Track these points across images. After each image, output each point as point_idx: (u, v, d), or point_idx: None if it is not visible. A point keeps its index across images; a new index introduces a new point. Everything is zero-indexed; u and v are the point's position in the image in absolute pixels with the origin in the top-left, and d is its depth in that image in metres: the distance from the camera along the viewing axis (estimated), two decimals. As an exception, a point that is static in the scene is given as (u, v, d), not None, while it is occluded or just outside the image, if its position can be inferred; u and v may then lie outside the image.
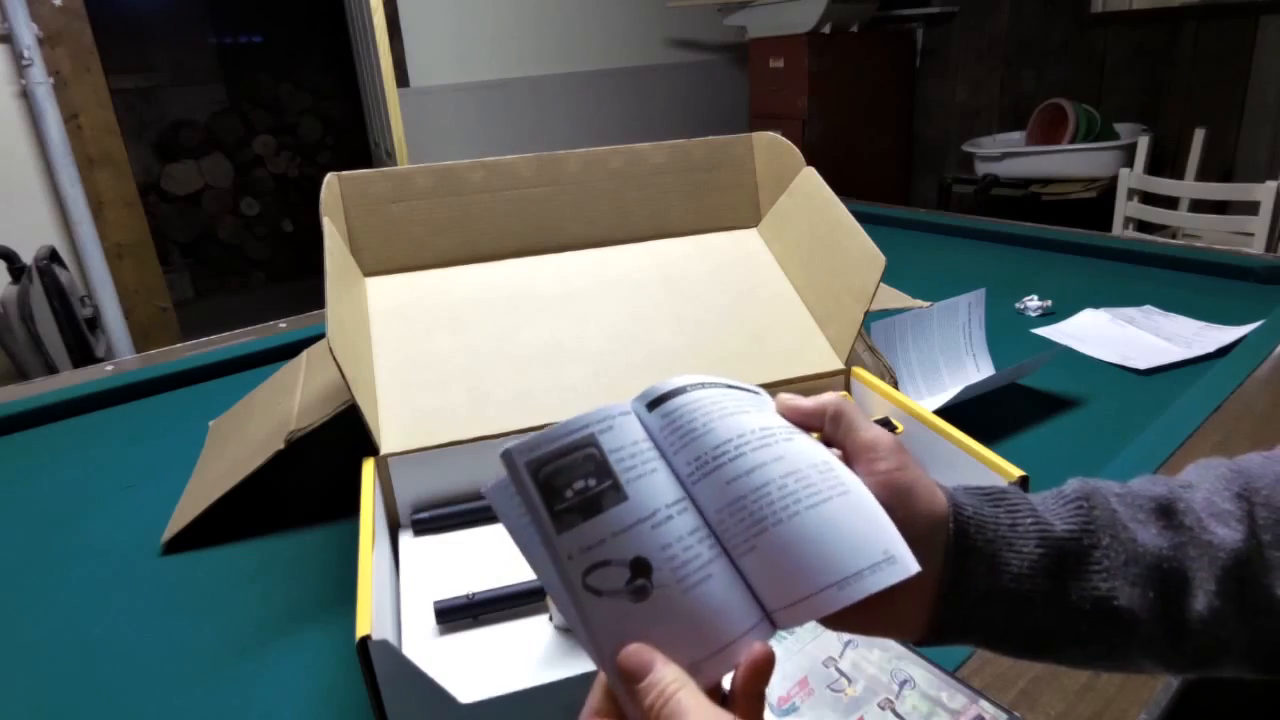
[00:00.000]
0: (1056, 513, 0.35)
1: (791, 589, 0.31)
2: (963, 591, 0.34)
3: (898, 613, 0.34)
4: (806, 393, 0.85)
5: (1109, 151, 2.66)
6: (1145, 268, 1.45)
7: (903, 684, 0.49)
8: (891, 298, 1.33)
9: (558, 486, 0.32)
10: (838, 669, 0.51)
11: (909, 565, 0.31)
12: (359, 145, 3.93)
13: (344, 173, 0.86)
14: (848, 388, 0.84)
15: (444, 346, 0.82)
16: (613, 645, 0.31)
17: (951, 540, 0.34)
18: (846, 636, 0.52)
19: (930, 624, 0.34)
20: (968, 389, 0.88)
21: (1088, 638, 0.34)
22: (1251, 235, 2.11)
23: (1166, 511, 0.36)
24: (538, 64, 3.39)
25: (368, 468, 0.70)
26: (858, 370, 0.83)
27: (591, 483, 0.32)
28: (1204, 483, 0.37)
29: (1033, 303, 1.28)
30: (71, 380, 1.23)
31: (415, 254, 0.89)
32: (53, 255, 2.05)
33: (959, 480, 0.66)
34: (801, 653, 0.52)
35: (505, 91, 3.33)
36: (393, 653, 0.49)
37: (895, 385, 0.86)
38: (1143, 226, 2.41)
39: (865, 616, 0.34)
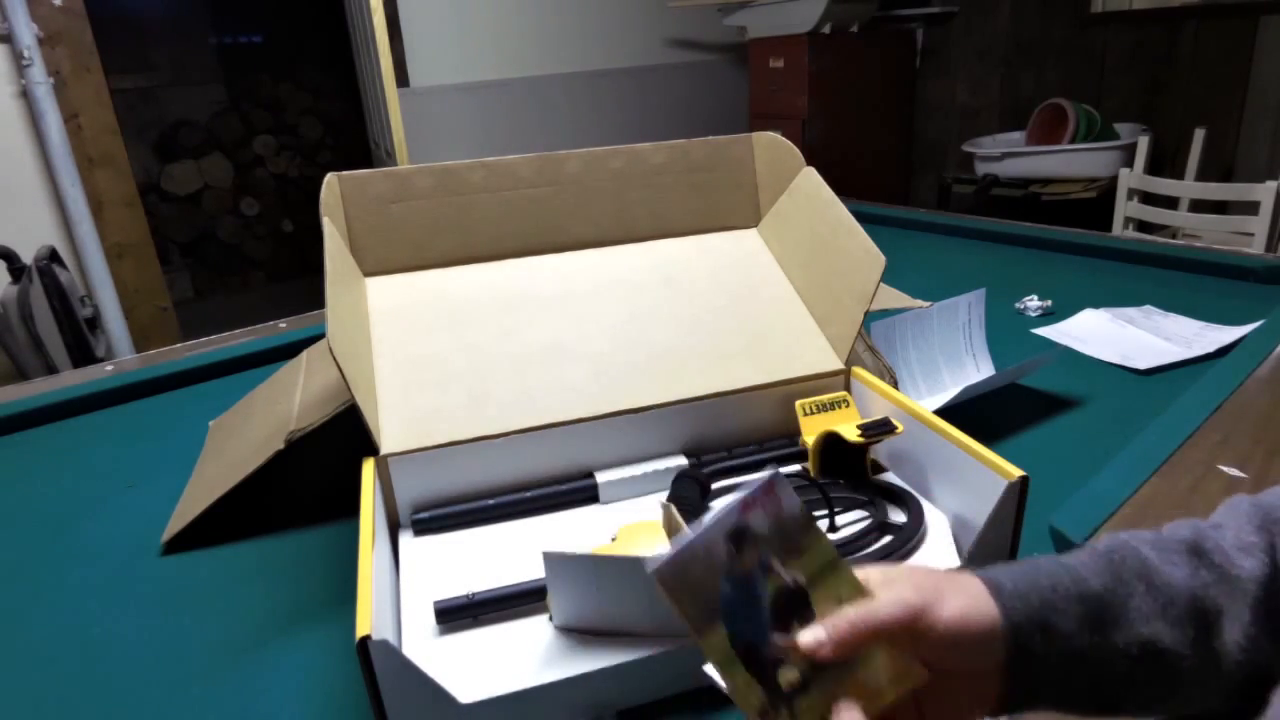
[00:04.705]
0: (1090, 567, 0.38)
1: None
2: (1027, 663, 0.36)
3: (979, 690, 0.36)
4: (807, 393, 0.85)
5: (1109, 151, 2.66)
6: (1145, 268, 1.45)
7: (903, 684, 0.49)
8: (891, 298, 1.33)
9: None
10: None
11: None
12: (359, 145, 3.92)
13: (344, 173, 0.86)
14: (848, 388, 0.84)
15: (444, 346, 0.82)
16: None
17: (1002, 620, 0.35)
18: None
19: (1000, 694, 0.36)
20: (968, 389, 0.88)
21: (1144, 681, 0.36)
22: (1251, 235, 2.11)
23: (1196, 551, 0.38)
24: (538, 64, 3.38)
25: (368, 468, 0.70)
26: (858, 370, 0.83)
27: None
28: (1231, 522, 0.40)
29: (1033, 303, 1.28)
30: (71, 380, 1.23)
31: (415, 254, 0.89)
32: (53, 255, 2.05)
33: (959, 481, 0.66)
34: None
35: (505, 91, 3.33)
36: (393, 653, 0.49)
37: (895, 385, 0.86)
38: (1143, 226, 2.41)
39: (948, 698, 0.36)
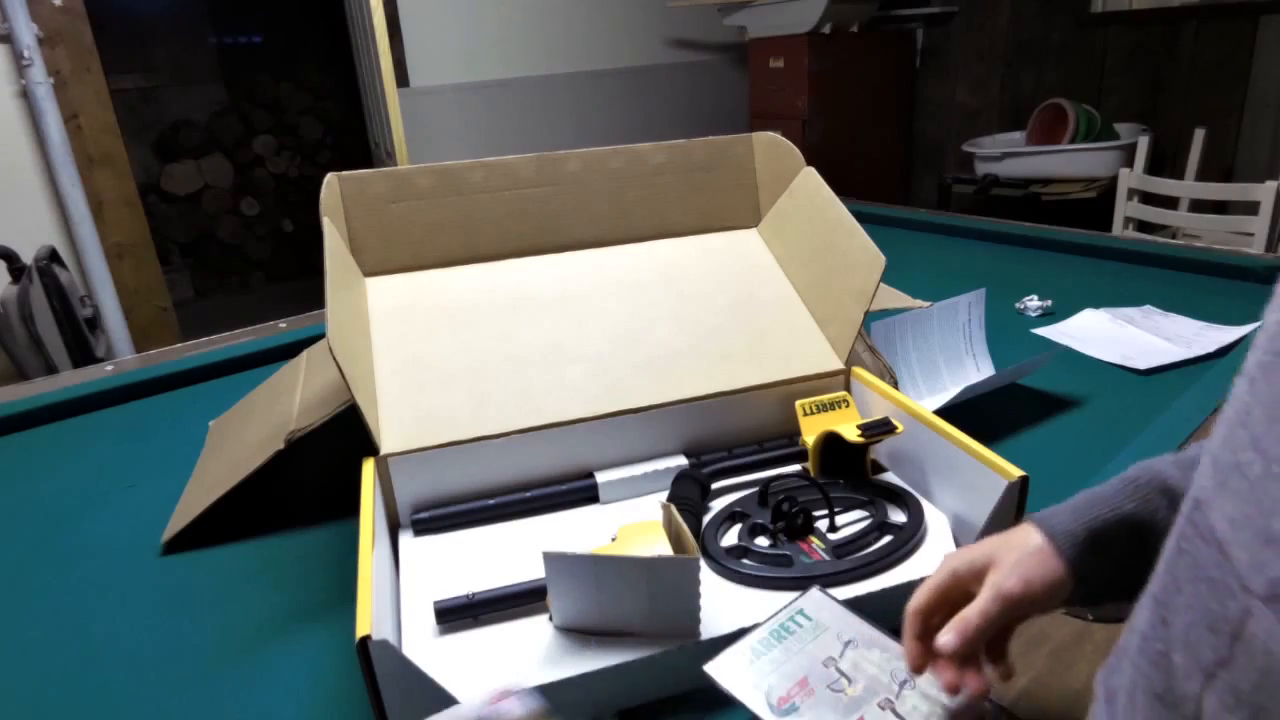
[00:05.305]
0: (1123, 494, 0.46)
1: None
2: (1086, 583, 0.45)
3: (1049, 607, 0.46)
4: (807, 393, 0.85)
5: (1109, 151, 2.66)
6: (1145, 268, 1.45)
7: (903, 684, 0.49)
8: (891, 298, 1.33)
9: None
10: (838, 669, 0.50)
11: None
12: (359, 145, 3.92)
13: (344, 173, 0.86)
14: (848, 388, 0.84)
15: (444, 347, 0.82)
16: None
17: (1064, 566, 0.45)
18: (846, 636, 0.52)
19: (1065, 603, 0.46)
20: (968, 389, 0.88)
21: None
22: (1251, 235, 2.11)
23: None
24: (538, 64, 3.38)
25: (368, 468, 0.70)
26: (858, 370, 0.83)
27: None
28: None
29: (1033, 303, 1.28)
30: (71, 380, 1.23)
31: (415, 254, 0.89)
32: (53, 255, 2.05)
33: (959, 481, 0.66)
34: (801, 653, 0.52)
35: (505, 91, 3.33)
36: (393, 653, 0.49)
37: (895, 385, 0.86)
38: (1143, 226, 2.41)
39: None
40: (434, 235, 0.89)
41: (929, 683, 0.49)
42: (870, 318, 0.86)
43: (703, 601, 0.56)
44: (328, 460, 0.90)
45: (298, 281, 4.67)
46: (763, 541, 0.67)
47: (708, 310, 0.88)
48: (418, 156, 3.00)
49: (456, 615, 0.60)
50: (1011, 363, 0.98)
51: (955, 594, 0.47)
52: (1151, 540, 0.44)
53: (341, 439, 0.78)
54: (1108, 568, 0.45)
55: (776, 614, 0.55)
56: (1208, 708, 0.27)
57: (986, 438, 0.69)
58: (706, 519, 0.71)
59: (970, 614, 0.44)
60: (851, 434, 0.71)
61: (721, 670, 0.50)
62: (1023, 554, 0.45)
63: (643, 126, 3.68)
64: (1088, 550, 0.45)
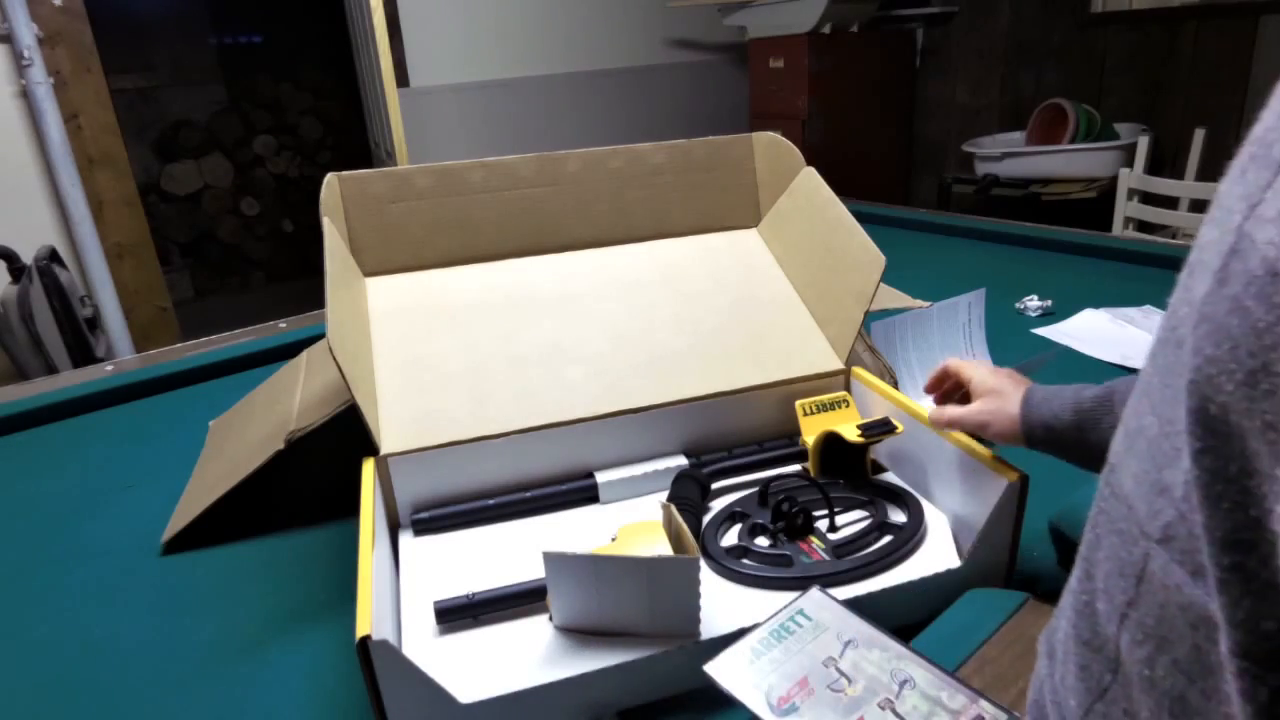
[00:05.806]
0: (1096, 395, 0.56)
1: None
2: (1036, 444, 0.59)
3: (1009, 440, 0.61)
4: (807, 393, 0.84)
5: (1109, 151, 2.66)
6: (1145, 268, 1.45)
7: (903, 684, 0.49)
8: (891, 298, 1.33)
9: None
10: (838, 669, 0.50)
11: None
12: (359, 145, 3.92)
13: (344, 173, 0.86)
14: (848, 388, 0.84)
15: (444, 347, 0.82)
16: None
17: (1022, 431, 0.59)
18: (846, 636, 0.52)
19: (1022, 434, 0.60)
20: (968, 389, 0.88)
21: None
22: (1251, 235, 2.10)
23: None
24: (538, 64, 3.38)
25: (368, 468, 0.70)
26: (858, 370, 0.83)
27: None
28: None
29: (1033, 303, 1.27)
30: (71, 380, 1.23)
31: (415, 254, 0.89)
32: (53, 255, 2.05)
33: (959, 481, 0.66)
34: (801, 653, 0.52)
35: (505, 91, 3.33)
36: (393, 653, 0.49)
37: (895, 385, 0.86)
38: (1143, 226, 2.41)
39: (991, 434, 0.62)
40: (434, 235, 0.89)
41: (929, 683, 0.49)
42: (870, 318, 0.86)
43: (703, 601, 0.56)
44: (328, 460, 0.90)
45: (298, 281, 4.67)
46: (763, 541, 0.67)
47: (708, 310, 0.88)
48: (418, 156, 3.00)
49: (456, 615, 0.60)
50: (1011, 363, 0.97)
51: (964, 384, 0.66)
52: (1089, 437, 0.56)
53: (341, 439, 0.78)
54: (1051, 444, 0.58)
55: (776, 614, 0.55)
56: (1123, 645, 0.30)
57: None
58: (706, 519, 0.71)
59: (951, 413, 0.65)
60: (851, 434, 0.71)
61: (721, 670, 0.50)
62: (998, 413, 0.61)
63: (643, 126, 3.68)
64: (1041, 428, 0.58)
